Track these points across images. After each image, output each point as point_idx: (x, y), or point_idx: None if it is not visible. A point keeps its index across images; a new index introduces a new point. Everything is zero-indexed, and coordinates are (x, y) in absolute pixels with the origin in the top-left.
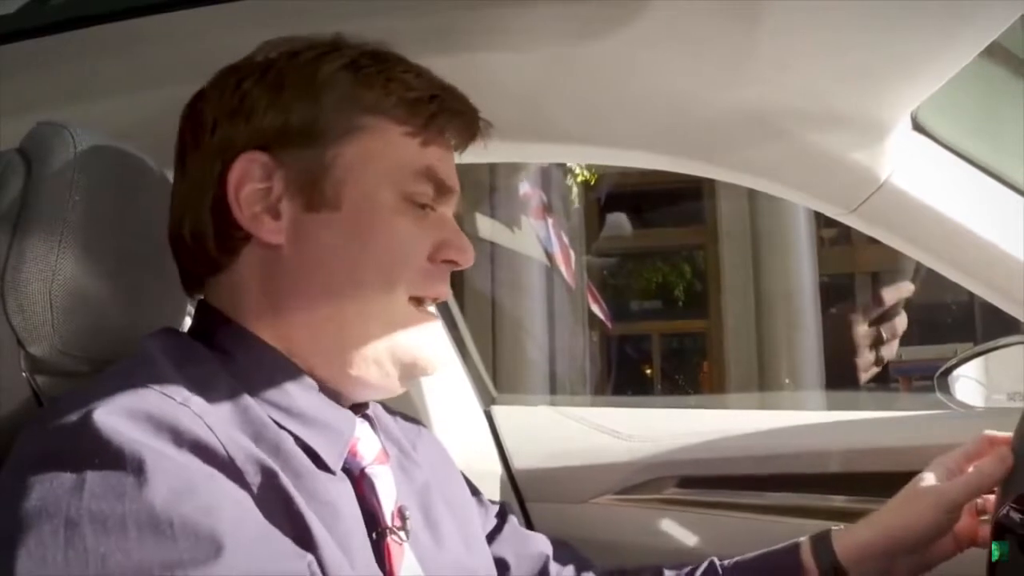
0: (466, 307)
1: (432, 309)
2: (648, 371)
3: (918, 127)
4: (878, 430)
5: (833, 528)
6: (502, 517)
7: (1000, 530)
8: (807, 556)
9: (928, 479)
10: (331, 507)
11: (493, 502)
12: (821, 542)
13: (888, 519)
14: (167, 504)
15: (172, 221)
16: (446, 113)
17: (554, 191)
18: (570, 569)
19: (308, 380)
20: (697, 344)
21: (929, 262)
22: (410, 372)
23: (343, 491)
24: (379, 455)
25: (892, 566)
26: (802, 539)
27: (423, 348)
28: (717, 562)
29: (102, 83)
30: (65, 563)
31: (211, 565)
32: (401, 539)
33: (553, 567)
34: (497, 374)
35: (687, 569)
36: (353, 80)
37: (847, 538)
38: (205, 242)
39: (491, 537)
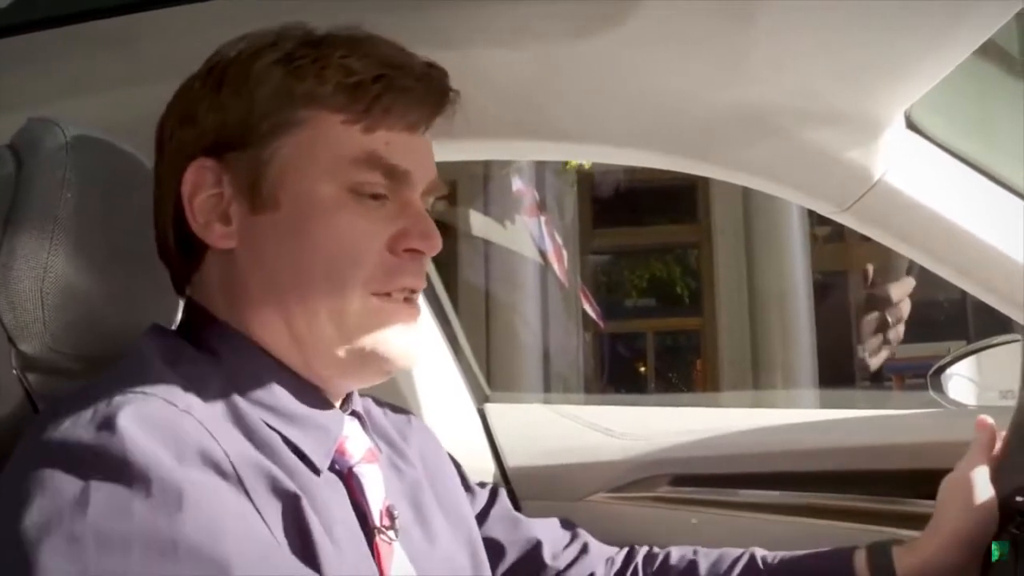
0: (460, 305)
1: (409, 299)
2: (642, 369)
3: (912, 126)
4: (871, 428)
5: (894, 544)
6: (492, 498)
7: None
8: (862, 570)
9: (966, 477)
10: (325, 508)
11: (483, 484)
12: (880, 557)
13: (944, 531)
14: (172, 524)
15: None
16: (392, 92)
17: (546, 187)
18: (570, 552)
19: (293, 378)
20: (691, 342)
21: (922, 260)
22: (376, 366)
23: (334, 491)
24: (367, 454)
25: None
26: (858, 549)
27: (387, 342)
28: (758, 556)
29: (96, 79)
30: None
31: None
32: (390, 539)
33: (549, 550)
34: (491, 372)
35: (726, 563)
36: (285, 73)
37: (910, 558)
38: (171, 250)
39: (481, 519)
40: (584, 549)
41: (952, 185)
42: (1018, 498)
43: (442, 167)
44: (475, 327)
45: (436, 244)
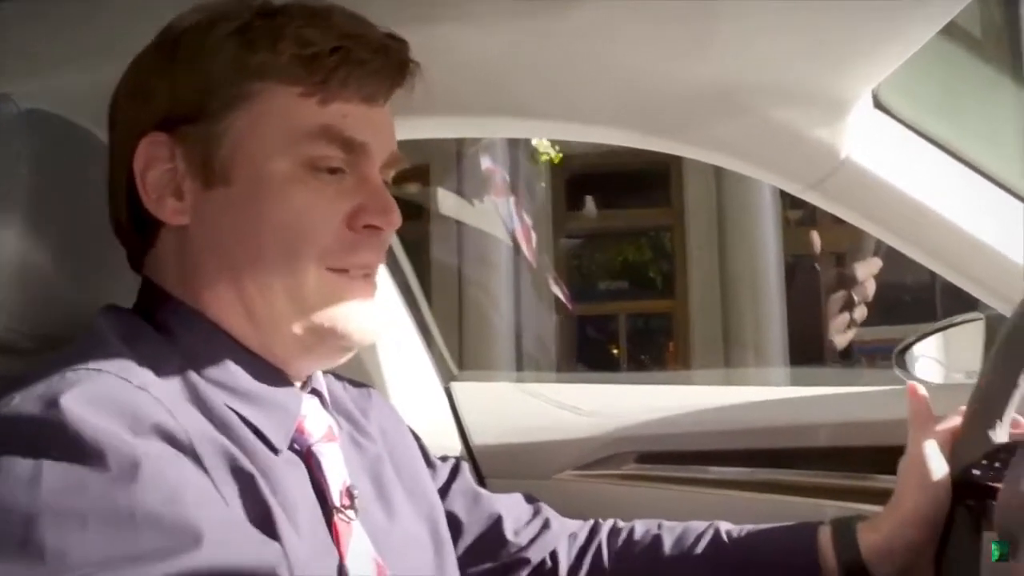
0: (433, 287)
1: (367, 275)
2: (615, 351)
3: (880, 105)
4: (836, 406)
5: (859, 520)
6: (453, 473)
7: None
8: (826, 545)
9: (919, 453)
10: (283, 487)
11: (445, 459)
12: (844, 534)
13: (903, 508)
14: (129, 495)
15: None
16: (349, 64)
17: (519, 171)
18: (532, 528)
19: (250, 357)
20: (663, 324)
21: (889, 239)
22: (334, 343)
23: (293, 471)
24: (327, 432)
25: (919, 557)
26: (823, 525)
27: (345, 318)
28: (722, 530)
29: (53, 56)
30: (23, 561)
31: (178, 556)
32: (349, 518)
33: (510, 526)
34: (463, 354)
35: (691, 537)
36: (239, 44)
37: (873, 535)
38: (125, 227)
39: (442, 494)
40: (546, 524)
41: (919, 165)
42: (973, 471)
43: (415, 150)
44: (448, 309)
45: (395, 220)
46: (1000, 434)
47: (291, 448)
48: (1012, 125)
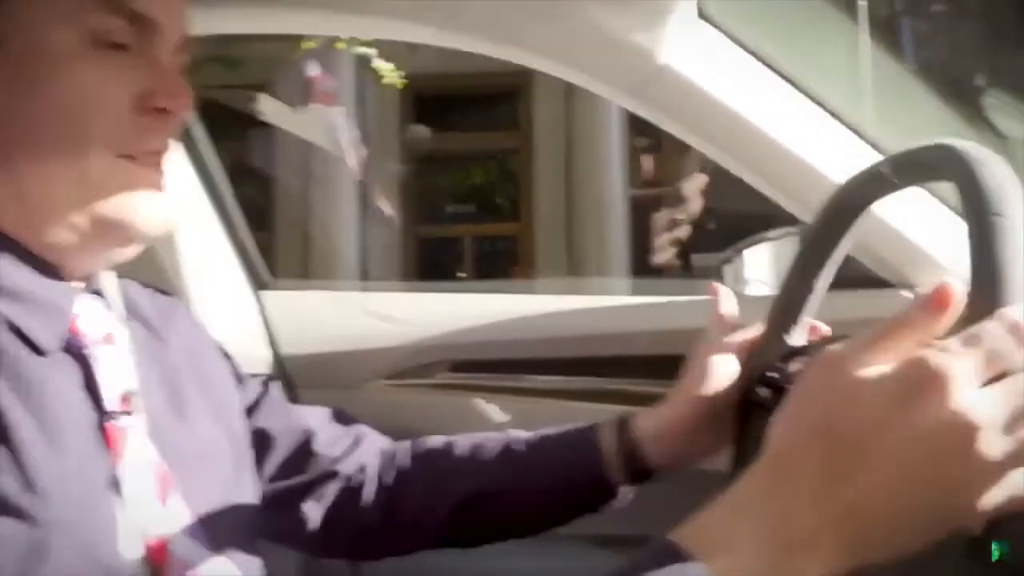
0: (278, 205)
1: (157, 163)
2: (461, 273)
3: (703, 16)
4: (651, 314)
5: (640, 411)
6: (263, 389)
7: (747, 409)
8: (607, 437)
9: (706, 347)
10: (38, 390)
11: (256, 376)
12: (623, 423)
13: (679, 391)
14: None
15: None
16: None
17: (363, 92)
18: (343, 442)
19: (18, 251)
20: (509, 247)
21: (708, 150)
22: (120, 233)
23: (61, 374)
24: (107, 335)
25: (693, 444)
26: (604, 422)
27: (134, 208)
28: (517, 434)
29: None
30: None
31: None
32: (123, 423)
33: (321, 440)
34: (309, 274)
35: (486, 443)
36: None
37: (648, 419)
38: None
39: (251, 410)
40: (357, 441)
41: (741, 77)
42: (769, 373)
43: (258, 64)
44: (294, 229)
45: (185, 104)
46: (796, 338)
47: (66, 350)
48: (841, 52)
